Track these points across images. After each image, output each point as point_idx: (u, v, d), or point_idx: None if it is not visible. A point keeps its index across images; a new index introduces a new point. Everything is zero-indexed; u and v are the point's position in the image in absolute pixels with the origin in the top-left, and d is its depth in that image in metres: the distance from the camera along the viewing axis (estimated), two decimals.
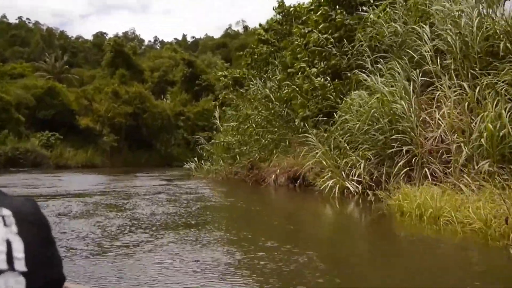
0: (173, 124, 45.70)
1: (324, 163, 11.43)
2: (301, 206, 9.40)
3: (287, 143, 15.33)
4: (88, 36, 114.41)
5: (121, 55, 49.27)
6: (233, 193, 12.66)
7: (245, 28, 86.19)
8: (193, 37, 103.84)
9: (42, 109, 38.32)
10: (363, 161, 10.52)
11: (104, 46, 63.37)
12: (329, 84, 13.87)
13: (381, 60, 12.38)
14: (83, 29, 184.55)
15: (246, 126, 17.32)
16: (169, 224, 6.34)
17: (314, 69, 14.73)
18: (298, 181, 13.56)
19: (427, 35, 10.64)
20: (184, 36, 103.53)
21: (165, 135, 45.08)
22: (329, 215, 8.06)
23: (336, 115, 12.74)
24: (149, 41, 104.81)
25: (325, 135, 12.58)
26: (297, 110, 14.63)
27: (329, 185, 10.41)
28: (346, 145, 10.69)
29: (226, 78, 22.78)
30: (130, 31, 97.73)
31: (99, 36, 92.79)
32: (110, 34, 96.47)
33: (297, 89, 15.06)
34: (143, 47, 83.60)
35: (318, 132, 13.19)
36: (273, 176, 14.07)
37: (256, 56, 21.48)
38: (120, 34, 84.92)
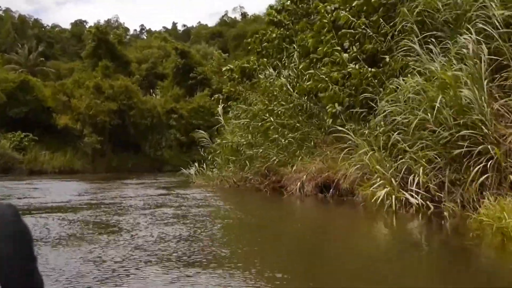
0: (164, 123, 45.06)
1: (371, 166, 10.05)
2: (352, 225, 8.01)
3: (312, 143, 14.00)
4: (66, 24, 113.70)
5: (104, 44, 48.54)
6: (253, 207, 11.33)
7: (243, 15, 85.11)
8: (184, 25, 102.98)
9: (14, 106, 37.92)
10: (421, 165, 9.13)
11: (85, 35, 62.57)
12: (366, 71, 12.51)
13: (433, 40, 11.03)
14: (60, 17, 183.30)
15: (260, 123, 15.95)
16: (191, 256, 4.92)
17: (345, 55, 13.40)
18: (330, 190, 12.23)
19: (495, 4, 9.28)
20: (175, 24, 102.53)
21: (154, 135, 44.64)
22: (398, 240, 6.61)
23: (378, 107, 11.44)
24: (135, 30, 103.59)
25: (365, 131, 11.21)
26: (326, 104, 13.26)
27: (380, 196, 9.00)
28: (403, 144, 9.27)
29: (232, 71, 21.41)
30: (113, 19, 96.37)
31: (78, 24, 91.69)
32: (91, 23, 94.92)
33: (325, 78, 13.70)
34: (128, 36, 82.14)
35: (356, 128, 11.85)
36: (298, 183, 12.71)
37: (267, 42, 20.10)
38: (102, 22, 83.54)
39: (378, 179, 9.94)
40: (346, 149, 12.10)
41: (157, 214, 8.53)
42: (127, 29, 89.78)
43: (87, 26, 78.86)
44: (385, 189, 9.19)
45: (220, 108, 22.04)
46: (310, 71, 14.40)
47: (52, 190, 16.26)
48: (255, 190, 15.15)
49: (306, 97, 15.69)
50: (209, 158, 21.17)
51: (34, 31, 77.46)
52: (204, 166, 20.92)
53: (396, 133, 10.47)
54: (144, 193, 14.48)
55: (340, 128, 11.88)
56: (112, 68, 46.66)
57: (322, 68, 14.28)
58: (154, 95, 48.91)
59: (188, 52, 51.78)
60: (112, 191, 15.26)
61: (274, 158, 14.45)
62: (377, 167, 9.98)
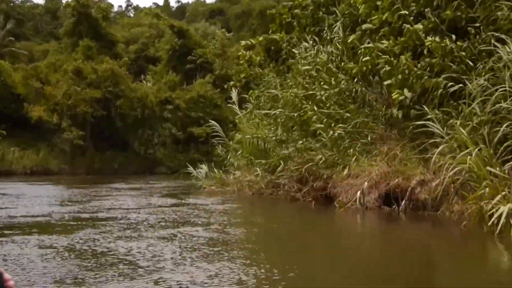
0: (157, 115, 44.41)
1: (474, 170, 8.36)
2: (480, 263, 6.22)
3: (369, 138, 12.38)
4: None
5: (86, 20, 47.09)
6: (307, 224, 9.78)
7: None
8: (178, 1, 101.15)
9: None
10: None
11: (61, 11, 61.41)
12: (451, 44, 10.85)
13: None
14: None
15: (296, 114, 14.38)
16: None
17: (418, 26, 11.78)
18: (402, 202, 10.59)
19: None
20: (167, 0, 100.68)
21: (145, 130, 44.24)
22: None
23: (467, 90, 9.91)
24: (120, 6, 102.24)
25: (457, 122, 9.55)
26: (392, 89, 11.58)
27: (503, 213, 7.26)
28: None
29: (252, 50, 19.78)
30: None
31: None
32: None
33: (384, 55, 12.03)
34: (112, 14, 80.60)
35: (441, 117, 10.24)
36: (358, 193, 11.02)
37: (298, 11, 18.39)
38: None
39: (487, 189, 8.22)
40: (422, 146, 10.61)
41: (183, 239, 6.86)
42: (110, 5, 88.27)
43: (63, 1, 77.35)
44: (509, 204, 7.42)
45: (234, 95, 20.58)
46: (368, 45, 12.66)
47: (24, 197, 14.81)
48: (289, 200, 13.88)
49: (355, 80, 14.14)
50: (223, 157, 20.60)
51: (1, 6, 76.09)
52: (214, 167, 20.19)
53: (505, 125, 8.85)
54: (147, 202, 13.13)
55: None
56: (95, 49, 45.51)
57: (383, 41, 12.60)
58: (145, 82, 48.17)
59: (186, 31, 50.42)
60: (103, 199, 13.82)
61: (320, 157, 12.73)
62: (483, 170, 8.27)
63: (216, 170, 19.58)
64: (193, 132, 43.42)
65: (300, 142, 13.81)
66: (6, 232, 7.59)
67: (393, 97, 11.66)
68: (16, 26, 66.87)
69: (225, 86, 23.20)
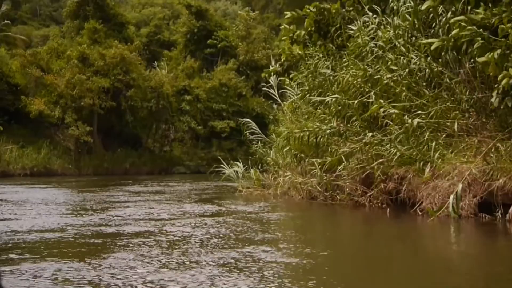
0: (173, 107, 44.02)
1: None
2: None
3: (455, 128, 11.28)
4: None
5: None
6: (399, 240, 8.48)
7: None
8: None
9: None
10: None
11: None
12: None
13: None
14: None
15: (356, 101, 13.26)
16: None
17: None
18: (510, 209, 9.39)
19: None
20: None
21: (160, 125, 44.58)
22: None
23: None
24: None
25: None
26: (491, 71, 10.31)
27: None
28: None
29: (296, 24, 18.58)
30: None
31: None
32: None
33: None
34: None
35: None
36: (451, 197, 9.79)
37: None
38: None
39: None
40: None
41: (256, 267, 5.64)
42: None
43: None
44: None
45: (273, 80, 19.94)
46: (459, 18, 11.35)
47: (26, 204, 13.79)
48: (351, 206, 12.90)
49: (428, 58, 12.93)
50: (258, 155, 19.85)
51: None
52: (250, 167, 19.53)
53: None
54: (180, 210, 11.99)
55: None
56: (102, 32, 45.20)
57: (478, 11, 11.35)
58: (158, 69, 47.62)
59: (205, 11, 50.11)
60: (125, 207, 12.80)
61: (394, 151, 11.55)
62: None
63: (252, 170, 18.83)
64: (215, 126, 43.76)
65: (370, 134, 12.51)
66: (8, 256, 6.38)
67: (498, 79, 10.34)
68: (12, 8, 66.72)
69: (263, 74, 22.28)
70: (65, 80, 39.01)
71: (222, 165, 19.78)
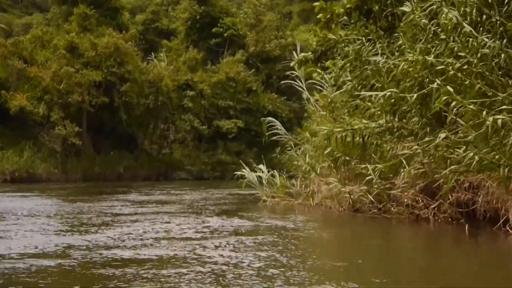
0: (174, 104, 43.97)
1: None
2: None
3: None
4: None
5: None
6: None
7: None
8: None
9: None
10: None
11: None
12: None
13: None
14: None
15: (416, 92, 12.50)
16: None
17: None
18: None
19: None
20: None
21: (159, 124, 44.56)
22: None
23: None
24: None
25: None
26: None
27: None
28: None
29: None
30: None
31: None
32: None
33: None
34: None
35: None
36: None
37: None
38: None
39: None
40: None
41: None
42: None
43: None
44: None
45: (300, 72, 19.21)
46: None
47: (10, 216, 13.02)
48: (412, 220, 12.11)
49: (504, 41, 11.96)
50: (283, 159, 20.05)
51: None
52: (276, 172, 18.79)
53: None
54: (205, 225, 11.07)
55: None
56: (93, 19, 45.17)
57: None
58: (156, 61, 47.14)
59: None
60: (132, 221, 11.89)
61: (471, 155, 10.52)
62: None
63: (277, 175, 18.25)
64: (220, 126, 43.67)
65: (443, 135, 11.49)
66: None
67: None
68: None
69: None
70: (51, 73, 39.10)
71: (243, 170, 19.12)
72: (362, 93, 14.40)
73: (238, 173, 19.15)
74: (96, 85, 39.47)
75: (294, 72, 19.39)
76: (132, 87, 40.93)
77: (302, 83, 19.10)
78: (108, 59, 40.28)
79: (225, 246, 8.08)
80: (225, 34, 49.29)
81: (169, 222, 11.72)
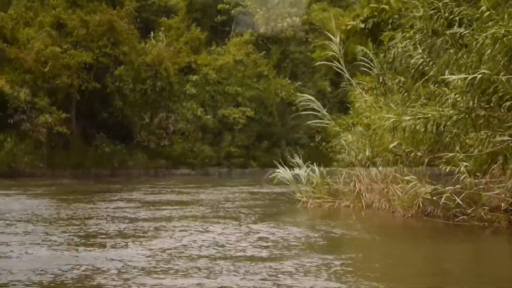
0: (175, 90, 43.40)
1: None
2: None
3: None
4: None
5: None
6: None
7: None
8: None
9: None
10: None
11: None
12: None
13: None
14: None
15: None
16: None
17: None
18: None
19: None
20: None
21: (157, 112, 43.92)
22: None
23: None
24: None
25: None
26: None
27: None
28: None
29: None
30: None
31: None
32: None
33: None
34: None
35: None
36: None
37: None
38: None
39: None
40: None
41: None
42: None
43: None
44: None
45: (336, 48, 18.24)
46: None
47: None
48: (499, 230, 11.40)
49: None
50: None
51: None
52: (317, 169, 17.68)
53: None
54: (255, 236, 10.42)
55: None
56: None
57: None
58: (154, 41, 45.85)
59: None
60: (160, 227, 11.31)
61: None
62: None
63: (317, 172, 17.21)
64: (227, 115, 42.86)
65: None
66: None
67: None
68: None
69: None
70: (34, 53, 37.91)
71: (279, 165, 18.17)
72: (447, 76, 13.16)
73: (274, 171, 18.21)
74: (87, 67, 38.01)
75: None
76: (127, 70, 40.10)
77: (341, 63, 18.09)
78: (100, 39, 38.91)
79: (317, 272, 6.95)
80: (232, 12, 48.60)
81: (208, 231, 10.98)
